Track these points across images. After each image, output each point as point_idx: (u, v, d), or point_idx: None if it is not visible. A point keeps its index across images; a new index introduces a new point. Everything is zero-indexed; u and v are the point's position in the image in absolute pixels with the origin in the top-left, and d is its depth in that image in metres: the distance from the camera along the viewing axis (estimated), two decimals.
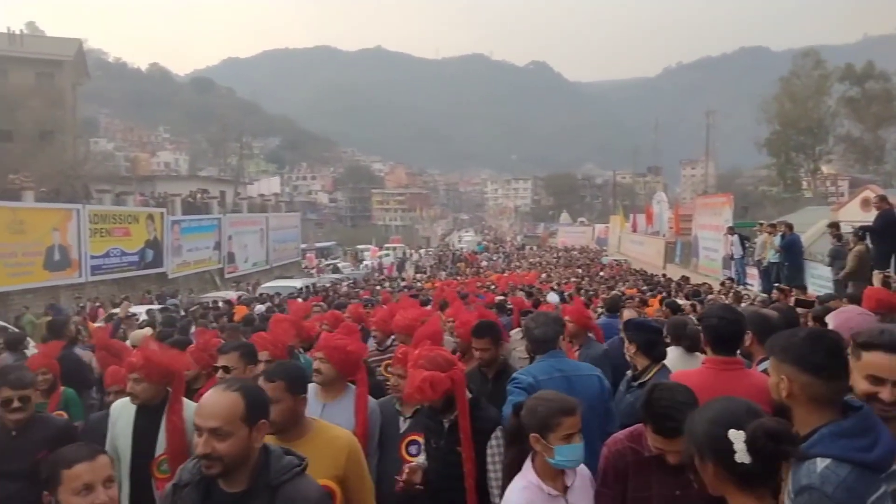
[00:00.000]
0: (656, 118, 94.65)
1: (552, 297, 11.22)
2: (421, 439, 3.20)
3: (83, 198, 24.46)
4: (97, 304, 19.32)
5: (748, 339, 3.37)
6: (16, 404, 3.20)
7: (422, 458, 3.16)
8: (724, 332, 3.10)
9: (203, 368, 4.08)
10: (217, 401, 1.93)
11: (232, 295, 20.70)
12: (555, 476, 2.42)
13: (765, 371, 3.32)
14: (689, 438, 1.78)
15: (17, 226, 19.86)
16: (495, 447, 2.98)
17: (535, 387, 3.15)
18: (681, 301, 9.66)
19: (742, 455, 1.64)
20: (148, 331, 7.01)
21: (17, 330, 12.43)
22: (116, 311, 13.58)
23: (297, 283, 24.76)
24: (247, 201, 38.31)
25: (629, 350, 3.72)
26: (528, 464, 2.48)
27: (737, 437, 1.65)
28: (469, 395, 3.05)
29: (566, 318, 4.80)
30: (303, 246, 45.79)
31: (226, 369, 3.49)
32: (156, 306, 16.42)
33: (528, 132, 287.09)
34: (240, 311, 13.89)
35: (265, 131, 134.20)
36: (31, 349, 7.79)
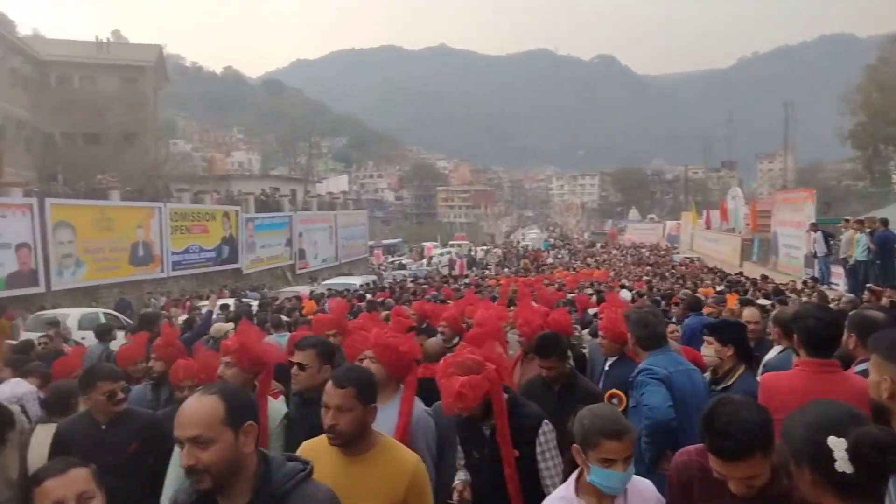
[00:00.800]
0: (730, 111, 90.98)
1: (624, 294, 11.02)
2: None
3: (164, 197, 25.71)
4: (186, 297, 20.30)
5: (851, 341, 3.19)
6: (120, 395, 3.27)
7: (463, 475, 2.99)
8: (820, 334, 2.95)
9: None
10: (194, 407, 1.76)
11: (304, 290, 21.21)
12: (600, 495, 2.19)
13: (862, 373, 3.15)
14: (785, 441, 1.69)
15: (105, 223, 21.06)
16: (544, 442, 2.87)
17: (670, 378, 3.13)
18: (762, 301, 9.25)
19: (843, 464, 1.54)
20: (231, 325, 7.24)
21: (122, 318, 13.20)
22: (204, 303, 14.18)
23: (358, 279, 24.49)
24: (316, 199, 39.27)
25: (717, 351, 3.60)
26: (572, 475, 2.29)
27: (837, 444, 1.55)
28: (505, 395, 2.92)
29: (600, 333, 4.42)
30: (370, 243, 46.59)
31: (300, 366, 3.22)
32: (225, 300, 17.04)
33: (594, 127, 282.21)
34: (309, 307, 14.26)
35: (333, 131, 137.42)
36: (121, 339, 8.22)
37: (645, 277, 19.08)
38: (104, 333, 8.02)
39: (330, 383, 2.39)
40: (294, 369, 3.25)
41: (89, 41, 39.32)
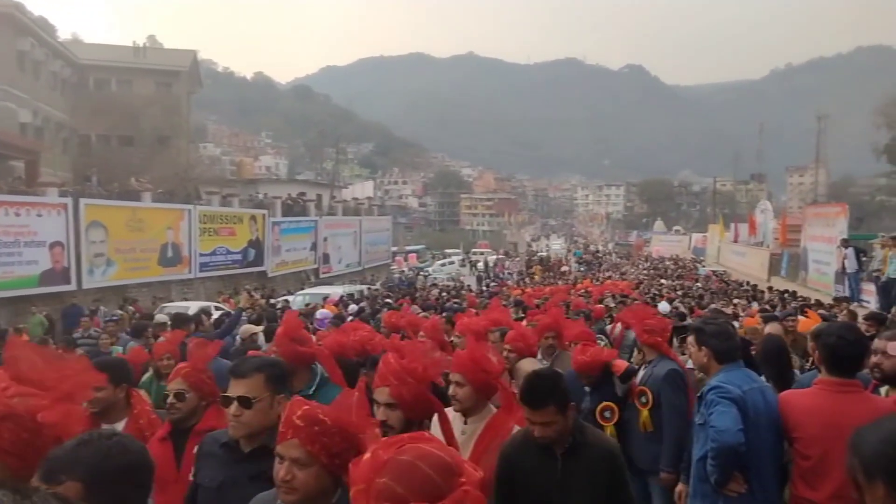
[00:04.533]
0: (761, 123, 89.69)
1: (663, 307, 10.99)
2: None
3: (194, 199, 26.15)
4: (224, 295, 20.70)
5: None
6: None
7: None
8: (842, 353, 2.95)
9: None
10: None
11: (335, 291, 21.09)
12: None
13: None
14: (856, 455, 1.64)
15: (136, 224, 21.51)
16: None
17: (743, 398, 2.97)
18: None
19: None
20: (260, 328, 7.38)
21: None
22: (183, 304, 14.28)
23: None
24: (341, 204, 39.60)
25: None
26: None
27: None
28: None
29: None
30: (393, 249, 46.82)
31: (243, 401, 2.88)
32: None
33: (621, 138, 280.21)
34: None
35: (359, 137, 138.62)
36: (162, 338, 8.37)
37: (667, 292, 18.78)
38: (140, 330, 8.22)
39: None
40: (234, 408, 2.35)
41: (126, 46, 40.25)
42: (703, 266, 34.61)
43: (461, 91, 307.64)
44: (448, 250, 57.03)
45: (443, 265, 44.27)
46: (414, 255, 49.16)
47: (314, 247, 32.21)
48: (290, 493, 1.78)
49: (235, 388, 2.36)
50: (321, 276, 31.62)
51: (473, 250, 57.55)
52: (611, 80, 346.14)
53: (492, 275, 37.30)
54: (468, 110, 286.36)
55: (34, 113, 28.61)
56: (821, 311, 8.95)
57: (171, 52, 45.50)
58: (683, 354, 4.59)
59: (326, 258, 33.12)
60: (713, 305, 12.44)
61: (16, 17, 27.46)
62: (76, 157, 31.98)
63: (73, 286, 18.79)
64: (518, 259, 49.10)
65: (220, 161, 73.95)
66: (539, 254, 51.39)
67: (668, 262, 37.98)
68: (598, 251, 54.61)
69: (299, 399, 1.89)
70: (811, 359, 3.81)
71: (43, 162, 26.39)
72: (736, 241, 37.19)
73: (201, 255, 24.35)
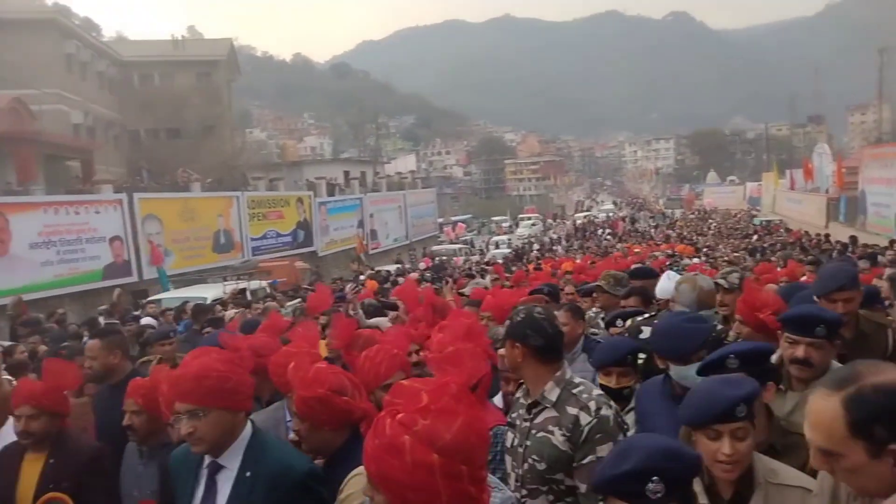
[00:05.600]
0: (817, 61, 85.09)
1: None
2: None
3: (242, 185, 26.85)
4: (315, 277, 21.45)
5: None
6: None
7: None
8: None
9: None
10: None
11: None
12: None
13: None
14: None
15: (188, 214, 22.29)
16: None
17: None
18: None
19: None
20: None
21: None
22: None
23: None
24: (385, 180, 39.91)
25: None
26: None
27: None
28: None
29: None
30: (439, 220, 47.03)
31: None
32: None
33: (668, 89, 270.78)
34: (370, 286, 14.63)
35: (399, 110, 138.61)
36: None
37: (734, 253, 17.68)
38: (199, 314, 8.57)
39: None
40: None
41: (166, 40, 41.14)
42: (758, 216, 33.51)
43: (499, 55, 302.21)
44: (495, 217, 56.79)
45: (528, 225, 43.99)
46: (462, 224, 49.18)
47: (361, 224, 32.69)
48: (198, 443, 2.02)
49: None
50: (370, 251, 32.11)
51: (520, 216, 57.20)
52: (654, 31, 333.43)
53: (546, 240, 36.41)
54: (508, 74, 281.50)
55: (85, 113, 29.72)
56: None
57: (208, 42, 46.30)
58: None
59: (374, 234, 33.59)
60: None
61: (60, 21, 28.42)
62: (127, 153, 33.18)
63: (134, 278, 19.70)
64: (567, 222, 48.60)
65: (267, 145, 75.41)
66: (586, 215, 50.53)
67: (711, 221, 35.66)
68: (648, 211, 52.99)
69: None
70: None
71: (97, 160, 27.49)
72: (792, 189, 35.81)
73: (252, 239, 25.09)
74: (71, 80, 29.11)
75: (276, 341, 3.28)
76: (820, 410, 1.36)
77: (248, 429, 2.11)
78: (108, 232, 19.14)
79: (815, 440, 1.38)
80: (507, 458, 2.49)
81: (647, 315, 3.83)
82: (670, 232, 30.62)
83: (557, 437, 2.29)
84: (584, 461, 2.25)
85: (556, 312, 3.68)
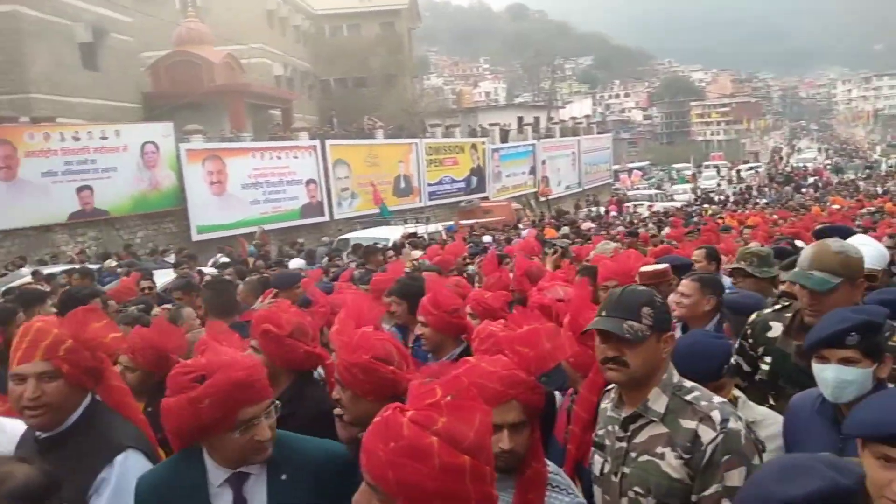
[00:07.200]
0: None
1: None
2: None
3: (420, 132, 27.94)
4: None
5: None
6: None
7: None
8: None
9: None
10: None
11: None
12: None
13: None
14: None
15: (372, 159, 23.81)
16: None
17: None
18: None
19: None
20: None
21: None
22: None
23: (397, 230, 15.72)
24: (559, 125, 39.12)
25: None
26: None
27: None
28: None
29: None
30: (615, 167, 45.31)
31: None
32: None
33: None
34: (549, 234, 14.64)
35: (577, 51, 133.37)
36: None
37: None
38: (370, 255, 9.22)
39: None
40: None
41: None
42: None
43: None
44: (676, 165, 53.46)
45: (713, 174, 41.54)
46: (638, 172, 47.03)
47: (533, 171, 32.58)
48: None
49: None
50: (540, 199, 32.03)
51: (705, 163, 53.28)
52: None
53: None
54: (697, 6, 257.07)
55: (284, 65, 32.51)
56: None
57: None
58: None
59: (546, 181, 33.34)
60: None
61: None
62: (320, 102, 35.90)
63: (326, 217, 21.65)
64: (761, 170, 44.38)
65: (442, 91, 76.94)
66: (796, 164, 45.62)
67: None
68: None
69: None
70: None
71: (294, 109, 30.16)
72: None
73: (429, 184, 26.19)
74: (272, 34, 31.85)
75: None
76: None
77: None
78: (304, 175, 21.13)
79: None
80: (597, 490, 1.95)
81: (782, 304, 2.84)
82: (891, 186, 26.82)
83: (670, 461, 1.73)
84: (708, 492, 1.68)
85: (683, 281, 3.37)
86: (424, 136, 27.41)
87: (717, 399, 1.81)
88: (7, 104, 18.20)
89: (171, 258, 12.22)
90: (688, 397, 1.79)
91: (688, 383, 1.84)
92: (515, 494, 1.64)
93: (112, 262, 10.87)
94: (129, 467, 1.86)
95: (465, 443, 1.16)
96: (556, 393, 2.33)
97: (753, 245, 4.18)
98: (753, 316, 2.85)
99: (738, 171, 45.34)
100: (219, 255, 13.14)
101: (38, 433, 1.91)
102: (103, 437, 1.92)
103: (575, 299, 2.38)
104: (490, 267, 4.18)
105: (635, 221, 18.35)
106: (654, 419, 1.79)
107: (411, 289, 3.53)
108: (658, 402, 1.80)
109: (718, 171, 46.69)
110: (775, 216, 15.43)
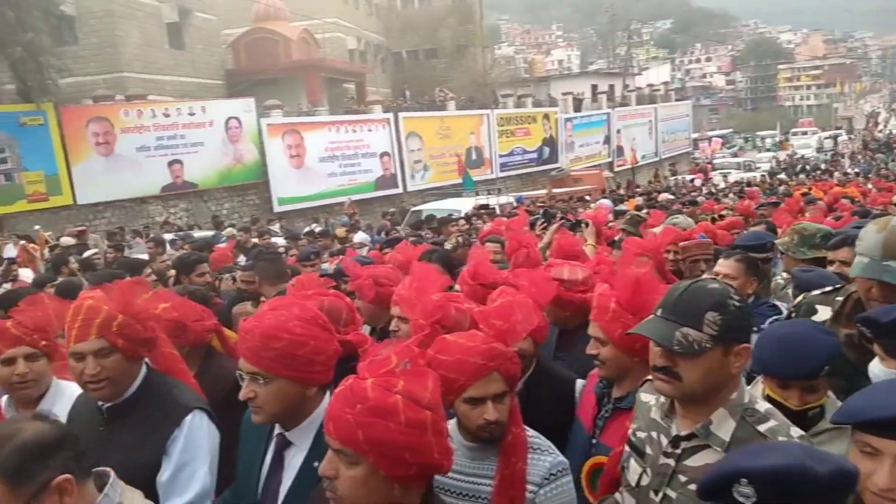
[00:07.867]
0: None
1: None
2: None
3: (491, 103, 27.74)
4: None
5: None
6: None
7: None
8: None
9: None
10: None
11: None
12: None
13: None
14: None
15: (443, 132, 23.90)
16: None
17: None
18: None
19: None
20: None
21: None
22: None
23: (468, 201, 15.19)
24: (635, 93, 37.88)
25: None
26: None
27: None
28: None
29: None
30: (694, 135, 43.58)
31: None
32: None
33: None
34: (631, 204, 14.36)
35: (655, 14, 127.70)
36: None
37: None
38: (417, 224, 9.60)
39: None
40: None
41: None
42: None
43: None
44: (761, 132, 50.79)
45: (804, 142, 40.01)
46: (719, 140, 45.01)
47: (607, 140, 31.84)
48: (257, 412, 1.76)
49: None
50: (615, 169, 31.33)
51: (793, 130, 50.42)
52: None
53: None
54: None
55: (357, 39, 32.89)
56: None
57: None
58: None
59: (620, 151, 32.53)
60: None
61: None
62: (392, 75, 36.17)
63: (399, 189, 22.01)
64: (853, 138, 41.63)
65: (514, 60, 75.67)
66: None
67: None
68: None
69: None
70: None
71: (368, 82, 30.54)
72: None
73: (500, 155, 26.08)
74: (345, 8, 32.22)
75: (399, 272, 3.05)
76: None
77: (322, 409, 1.76)
78: (378, 148, 21.49)
79: None
80: (628, 499, 1.70)
81: (834, 286, 2.51)
82: None
83: None
84: None
85: (724, 261, 3.18)
86: (496, 107, 27.22)
87: (796, 432, 1.47)
88: (103, 83, 19.40)
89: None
90: (761, 428, 1.46)
91: (761, 406, 1.52)
92: (500, 460, 1.71)
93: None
94: (196, 426, 1.96)
95: (424, 400, 1.31)
96: (579, 381, 2.28)
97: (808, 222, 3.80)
98: (800, 297, 2.54)
99: (834, 138, 42.56)
100: (313, 224, 14.12)
101: (101, 403, 1.98)
102: (168, 400, 2.00)
103: (620, 276, 2.06)
104: (514, 244, 3.65)
105: (714, 192, 17.71)
106: (716, 447, 1.48)
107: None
108: (723, 427, 1.48)
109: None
110: (869, 185, 14.55)
